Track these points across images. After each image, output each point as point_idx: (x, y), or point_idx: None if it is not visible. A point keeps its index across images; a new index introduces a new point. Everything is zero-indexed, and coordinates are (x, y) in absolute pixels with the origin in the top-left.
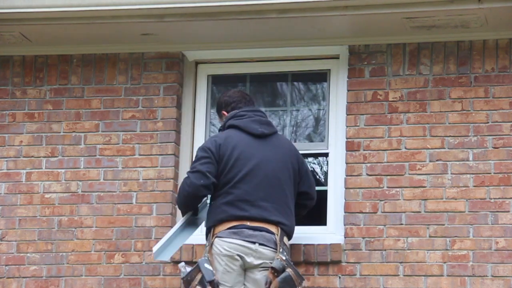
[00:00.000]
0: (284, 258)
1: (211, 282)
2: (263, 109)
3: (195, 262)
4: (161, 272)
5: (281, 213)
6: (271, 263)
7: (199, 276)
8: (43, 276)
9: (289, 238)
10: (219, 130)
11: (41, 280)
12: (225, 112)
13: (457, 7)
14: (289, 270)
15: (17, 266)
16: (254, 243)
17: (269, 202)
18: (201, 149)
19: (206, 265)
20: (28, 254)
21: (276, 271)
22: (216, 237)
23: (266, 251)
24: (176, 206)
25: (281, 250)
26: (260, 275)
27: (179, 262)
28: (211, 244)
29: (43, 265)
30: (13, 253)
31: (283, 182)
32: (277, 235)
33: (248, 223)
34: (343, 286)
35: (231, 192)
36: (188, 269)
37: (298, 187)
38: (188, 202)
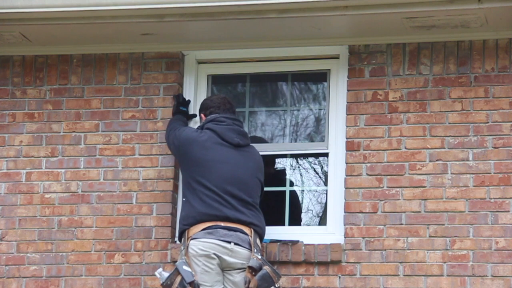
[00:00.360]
0: (259, 257)
1: (191, 283)
2: (263, 109)
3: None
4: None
5: (253, 215)
6: (247, 263)
7: (178, 279)
8: (43, 276)
9: (261, 239)
10: (198, 128)
11: (41, 280)
12: (203, 115)
13: (457, 7)
14: (266, 268)
15: (17, 266)
16: (229, 242)
17: (241, 205)
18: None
19: (185, 267)
20: (28, 254)
21: (253, 270)
22: (192, 239)
23: (242, 250)
24: (177, 207)
25: (255, 250)
26: (239, 277)
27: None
28: (187, 247)
29: (43, 265)
30: (13, 253)
31: (252, 187)
32: (251, 236)
33: (222, 224)
34: (343, 286)
35: (204, 192)
36: (166, 274)
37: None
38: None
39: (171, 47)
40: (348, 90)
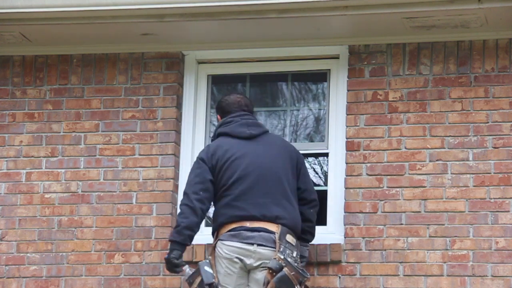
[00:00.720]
0: (282, 257)
1: (210, 285)
2: (263, 109)
3: (195, 263)
4: (161, 272)
5: (281, 207)
6: (270, 260)
7: (198, 279)
8: (43, 276)
9: (295, 233)
10: (211, 139)
11: (41, 280)
12: (219, 117)
13: (457, 7)
14: (285, 270)
15: (17, 266)
16: (252, 244)
17: (267, 198)
18: (196, 161)
19: (206, 268)
20: (28, 254)
21: (273, 271)
22: (219, 240)
23: (265, 251)
24: (177, 207)
25: (281, 249)
26: (260, 275)
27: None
28: (214, 247)
29: (43, 265)
30: (13, 253)
31: (280, 176)
32: (277, 233)
33: (248, 224)
34: (343, 286)
35: (228, 194)
36: (191, 271)
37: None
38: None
39: (171, 47)
40: (348, 90)
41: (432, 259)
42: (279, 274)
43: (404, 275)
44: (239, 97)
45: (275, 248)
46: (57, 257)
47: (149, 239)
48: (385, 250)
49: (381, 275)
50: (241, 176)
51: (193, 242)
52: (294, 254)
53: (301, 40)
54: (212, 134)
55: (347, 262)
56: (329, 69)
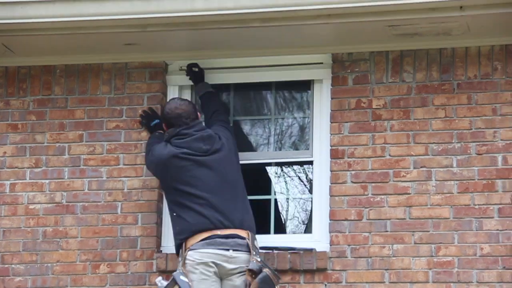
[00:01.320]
0: (259, 259)
1: None
2: (248, 118)
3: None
4: (146, 282)
5: (246, 215)
6: (247, 266)
7: None
8: (28, 287)
9: (256, 239)
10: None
11: None
12: (165, 126)
13: (439, 14)
14: (266, 270)
15: (1, 277)
16: (228, 250)
17: (233, 207)
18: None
19: (182, 277)
20: (13, 265)
21: (253, 273)
22: (189, 250)
23: (241, 255)
24: (162, 216)
25: (254, 253)
26: (239, 281)
27: (165, 271)
28: (185, 258)
29: (28, 276)
30: None
31: (237, 182)
32: (248, 239)
33: (219, 232)
34: None
35: (193, 203)
36: (165, 283)
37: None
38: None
39: (155, 57)
40: (332, 98)
41: (418, 266)
42: (261, 275)
43: (389, 282)
44: (174, 107)
45: (249, 252)
46: (42, 268)
47: (134, 249)
48: (370, 257)
49: (367, 282)
50: (204, 186)
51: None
52: (263, 259)
53: (284, 48)
54: None
55: (333, 270)
56: (313, 78)
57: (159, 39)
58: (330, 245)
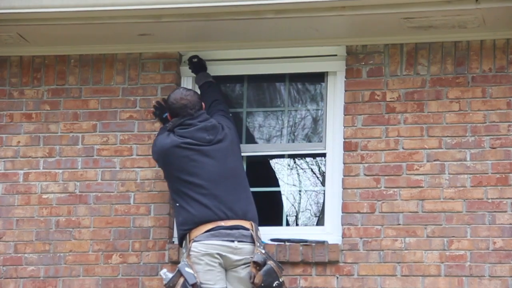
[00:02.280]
0: (263, 251)
1: (194, 285)
2: (261, 109)
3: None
4: (158, 272)
5: (249, 206)
6: (251, 257)
7: (181, 281)
8: (40, 277)
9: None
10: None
11: (38, 281)
12: (169, 116)
13: (454, 7)
14: (270, 263)
15: (14, 266)
16: (232, 241)
17: (236, 198)
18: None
19: (187, 269)
20: (26, 255)
21: (258, 265)
22: (194, 241)
23: (246, 246)
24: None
25: (258, 244)
26: (244, 273)
27: (177, 262)
28: (189, 249)
29: (41, 266)
30: (10, 253)
31: (240, 173)
32: (252, 230)
33: (223, 223)
34: (340, 286)
35: (196, 194)
36: (170, 275)
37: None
38: None
39: (169, 48)
40: (345, 91)
41: (430, 259)
42: (265, 267)
43: (401, 276)
44: (179, 97)
45: (253, 243)
46: (55, 258)
47: (146, 240)
48: (382, 250)
49: (378, 275)
50: (208, 176)
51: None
52: (266, 250)
53: (298, 40)
54: None
55: (345, 263)
56: (327, 70)
57: (173, 29)
58: (342, 238)
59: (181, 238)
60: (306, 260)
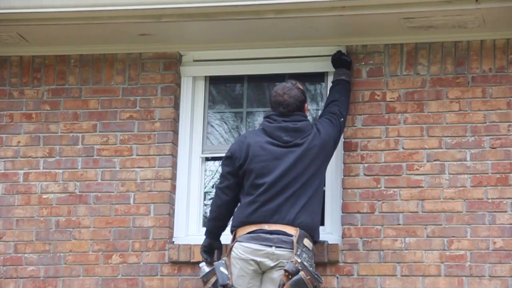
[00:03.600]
0: (299, 260)
1: (225, 286)
2: (261, 109)
3: (193, 263)
4: (158, 273)
5: (303, 211)
6: (287, 263)
7: (213, 279)
8: (40, 277)
9: (312, 238)
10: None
11: (38, 281)
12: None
13: (454, 7)
14: (301, 273)
15: (14, 266)
16: (270, 246)
17: (290, 202)
18: (227, 151)
19: (222, 269)
20: (26, 255)
21: (289, 274)
22: (237, 241)
23: (283, 252)
24: (175, 207)
25: (298, 252)
26: (276, 274)
27: (177, 262)
28: (231, 248)
29: (41, 266)
30: (10, 253)
31: (304, 178)
32: (295, 236)
33: (266, 227)
34: (340, 286)
35: (251, 193)
36: (207, 269)
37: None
38: (216, 208)
39: (169, 48)
40: None
41: (430, 259)
42: (295, 278)
43: (401, 276)
44: (281, 90)
45: (292, 249)
46: (55, 258)
47: (146, 240)
48: (382, 250)
49: (378, 275)
50: (263, 177)
51: (191, 243)
52: (310, 258)
53: (298, 40)
54: (208, 134)
55: (345, 263)
56: (327, 70)
57: (174, 29)
58: (342, 238)
59: (231, 233)
60: None
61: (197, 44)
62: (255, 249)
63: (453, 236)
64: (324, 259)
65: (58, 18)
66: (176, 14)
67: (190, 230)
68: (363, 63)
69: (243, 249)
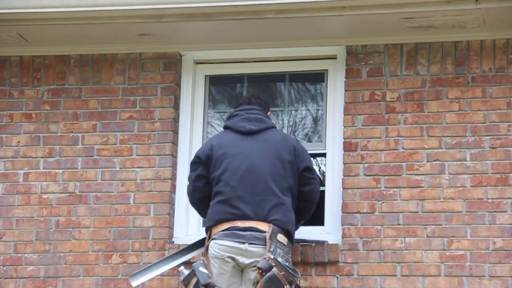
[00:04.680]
0: (272, 256)
1: (207, 285)
2: None
3: (193, 263)
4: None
5: (276, 208)
6: (260, 260)
7: (194, 280)
8: (40, 277)
9: (287, 234)
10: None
11: (38, 281)
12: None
13: (454, 7)
14: (274, 269)
15: (14, 266)
16: (243, 243)
17: (258, 196)
18: (194, 156)
19: (201, 269)
20: (26, 255)
21: (262, 271)
22: (212, 239)
23: (256, 249)
24: (175, 207)
25: (271, 248)
26: (252, 275)
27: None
28: (207, 247)
29: (41, 266)
30: (10, 253)
31: (275, 176)
32: (268, 232)
33: (239, 223)
34: (340, 286)
35: (222, 191)
36: (187, 272)
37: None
38: (195, 201)
39: (169, 48)
40: (345, 91)
41: (430, 259)
42: (268, 274)
43: (401, 276)
44: (247, 95)
45: (265, 246)
46: (55, 258)
47: (146, 240)
48: (382, 250)
49: (378, 275)
50: (234, 174)
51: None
52: (286, 254)
53: (298, 40)
54: (207, 134)
55: (345, 263)
56: (327, 70)
57: (174, 30)
58: (342, 238)
59: (206, 232)
60: (306, 260)
61: (197, 44)
62: (229, 246)
63: (453, 236)
64: (324, 259)
65: (58, 18)
66: (176, 14)
67: (190, 230)
68: (363, 63)
69: (217, 247)
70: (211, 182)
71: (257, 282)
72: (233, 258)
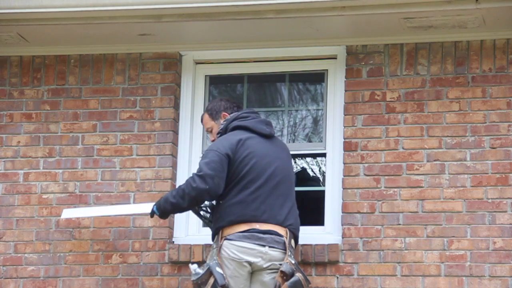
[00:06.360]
0: (293, 262)
1: (223, 286)
2: (261, 109)
3: (193, 263)
4: (158, 273)
5: (291, 213)
6: (280, 264)
7: (211, 280)
8: (40, 277)
9: (296, 238)
10: (219, 133)
11: (38, 281)
12: (226, 114)
13: (454, 7)
14: (298, 275)
15: (14, 266)
16: (264, 246)
17: (278, 200)
18: (213, 151)
19: (218, 269)
20: (26, 255)
21: (285, 275)
22: (225, 239)
23: (276, 253)
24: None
25: (289, 253)
26: (268, 278)
27: (177, 262)
28: (220, 247)
29: (41, 266)
30: (10, 253)
31: (291, 179)
32: (286, 237)
33: (258, 226)
34: (340, 286)
35: (243, 191)
36: (200, 271)
37: None
38: (188, 204)
39: (169, 48)
40: (345, 91)
41: (430, 259)
42: (292, 279)
43: (401, 275)
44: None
45: (284, 251)
46: (55, 258)
47: (146, 240)
48: (382, 250)
49: (378, 275)
50: (258, 174)
51: (191, 243)
52: (295, 261)
53: (298, 40)
54: (207, 134)
55: (345, 263)
56: (327, 70)
57: (174, 30)
58: (342, 238)
59: (215, 232)
60: (306, 260)
61: (197, 44)
62: (248, 248)
63: (453, 236)
64: (324, 259)
65: (58, 18)
66: (176, 14)
67: (190, 230)
68: (363, 63)
69: (235, 249)
70: (228, 180)
71: (279, 286)
72: (250, 263)
